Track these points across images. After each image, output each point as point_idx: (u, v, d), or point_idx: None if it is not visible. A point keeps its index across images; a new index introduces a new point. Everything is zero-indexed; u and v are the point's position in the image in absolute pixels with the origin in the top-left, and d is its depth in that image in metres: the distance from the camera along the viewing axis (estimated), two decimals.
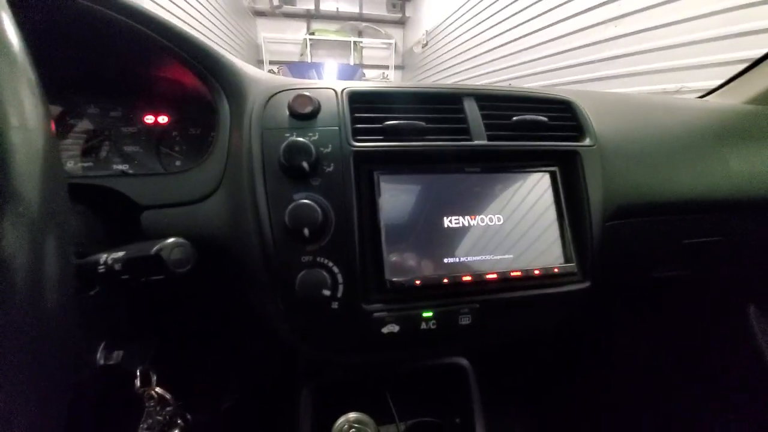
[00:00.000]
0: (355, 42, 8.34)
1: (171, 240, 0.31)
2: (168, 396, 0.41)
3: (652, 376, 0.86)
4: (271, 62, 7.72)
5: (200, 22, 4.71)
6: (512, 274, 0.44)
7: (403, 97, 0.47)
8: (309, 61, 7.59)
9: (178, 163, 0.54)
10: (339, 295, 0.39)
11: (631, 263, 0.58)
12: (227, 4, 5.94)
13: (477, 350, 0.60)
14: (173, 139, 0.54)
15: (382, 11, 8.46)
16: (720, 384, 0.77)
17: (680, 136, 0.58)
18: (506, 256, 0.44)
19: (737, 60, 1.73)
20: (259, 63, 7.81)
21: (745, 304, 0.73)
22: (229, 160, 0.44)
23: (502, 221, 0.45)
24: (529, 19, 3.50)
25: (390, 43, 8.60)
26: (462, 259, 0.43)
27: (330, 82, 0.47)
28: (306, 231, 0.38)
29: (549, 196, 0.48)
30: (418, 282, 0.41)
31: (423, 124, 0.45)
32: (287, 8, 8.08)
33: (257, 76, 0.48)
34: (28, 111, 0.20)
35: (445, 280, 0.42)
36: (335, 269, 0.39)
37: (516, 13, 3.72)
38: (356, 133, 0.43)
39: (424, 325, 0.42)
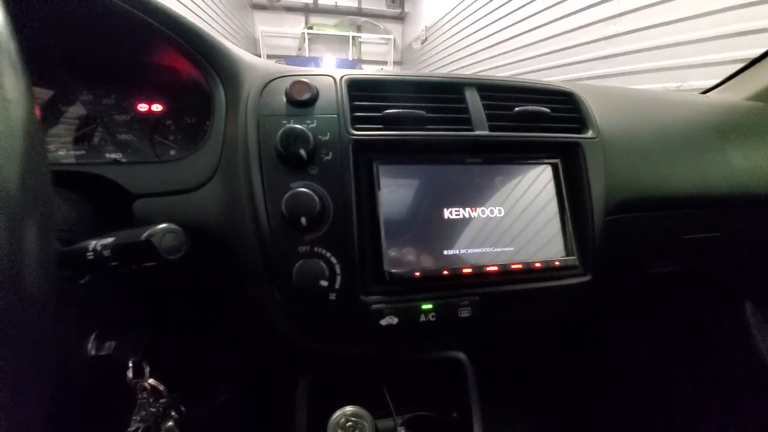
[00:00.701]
0: (353, 37, 8.29)
1: (162, 226, 0.30)
2: (161, 388, 0.41)
3: (650, 371, 0.87)
4: (269, 56, 7.64)
5: (197, 15, 4.66)
6: (513, 266, 0.43)
7: (403, 85, 0.46)
8: (307, 55, 7.54)
9: (172, 152, 0.53)
10: (337, 286, 0.39)
11: (631, 257, 0.58)
12: None
13: (476, 343, 0.60)
14: (168, 128, 0.53)
15: (381, 6, 8.41)
16: (717, 380, 0.77)
17: (682, 132, 0.58)
18: (507, 249, 0.44)
19: (735, 59, 1.73)
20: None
21: (742, 301, 0.73)
22: (224, 147, 0.43)
23: (503, 213, 0.44)
24: (529, 16, 3.49)
25: (389, 39, 8.56)
26: (462, 251, 0.43)
27: (328, 69, 0.46)
28: (303, 220, 0.37)
29: (550, 189, 0.47)
30: (417, 273, 0.40)
31: (424, 113, 0.44)
32: (286, 2, 8.01)
33: (253, 62, 0.47)
34: (8, 85, 0.19)
35: (445, 272, 0.41)
36: (333, 260, 0.39)
37: (515, 10, 3.71)
38: (355, 121, 0.42)
39: (423, 318, 0.41)
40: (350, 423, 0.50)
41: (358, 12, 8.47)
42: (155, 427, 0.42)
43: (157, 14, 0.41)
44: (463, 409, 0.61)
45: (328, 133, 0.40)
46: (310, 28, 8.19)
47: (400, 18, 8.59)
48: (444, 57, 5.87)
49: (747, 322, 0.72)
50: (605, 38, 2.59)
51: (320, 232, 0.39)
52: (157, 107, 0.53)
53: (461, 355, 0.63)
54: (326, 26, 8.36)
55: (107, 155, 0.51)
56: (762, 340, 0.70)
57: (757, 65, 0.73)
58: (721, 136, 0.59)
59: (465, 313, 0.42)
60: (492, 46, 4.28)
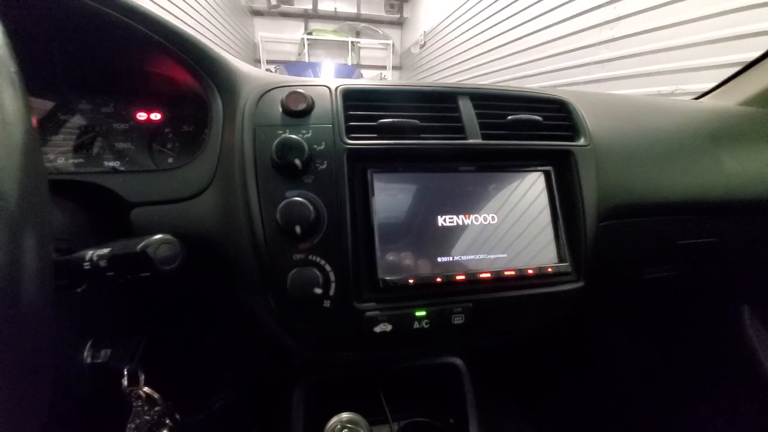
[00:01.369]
0: (352, 42, 8.34)
1: (158, 236, 0.30)
2: (156, 396, 0.41)
3: (645, 376, 0.87)
4: (269, 62, 7.69)
5: (197, 21, 4.69)
6: (506, 273, 0.43)
7: (397, 95, 0.47)
8: (306, 60, 7.58)
9: (170, 160, 0.53)
10: (331, 293, 0.39)
11: (625, 263, 0.58)
12: (224, 3, 5.92)
13: (471, 350, 0.60)
14: (166, 136, 0.54)
15: (380, 12, 8.48)
16: (714, 385, 0.77)
17: (675, 137, 0.58)
18: (500, 256, 0.44)
19: (731, 63, 1.74)
20: (257, 62, 7.79)
21: (738, 306, 0.73)
22: (221, 157, 0.43)
23: (496, 220, 0.45)
24: (526, 21, 3.52)
25: (388, 44, 8.61)
26: (456, 258, 0.43)
27: (324, 79, 0.47)
28: (298, 229, 0.37)
29: (543, 196, 0.47)
30: (411, 281, 0.41)
31: (417, 122, 0.44)
32: (285, 8, 8.08)
33: (250, 72, 0.48)
34: (8, 104, 0.19)
35: (439, 279, 0.42)
36: (327, 267, 0.39)
37: (512, 15, 3.74)
38: (350, 130, 0.42)
39: (417, 325, 0.41)
40: (346, 429, 0.50)
41: (357, 17, 8.54)
42: None
43: (156, 27, 0.42)
44: (459, 415, 0.61)
45: (323, 143, 0.41)
46: (310, 33, 8.24)
47: (399, 23, 8.66)
48: (442, 61, 5.91)
49: (744, 327, 0.72)
50: (602, 42, 2.61)
51: (315, 241, 0.39)
52: (155, 116, 0.53)
53: (458, 361, 0.63)
54: (325, 32, 8.41)
55: (106, 163, 0.51)
56: (759, 345, 0.71)
57: (750, 70, 0.74)
58: (715, 142, 0.59)
59: (458, 319, 0.42)
60: (489, 51, 4.31)
